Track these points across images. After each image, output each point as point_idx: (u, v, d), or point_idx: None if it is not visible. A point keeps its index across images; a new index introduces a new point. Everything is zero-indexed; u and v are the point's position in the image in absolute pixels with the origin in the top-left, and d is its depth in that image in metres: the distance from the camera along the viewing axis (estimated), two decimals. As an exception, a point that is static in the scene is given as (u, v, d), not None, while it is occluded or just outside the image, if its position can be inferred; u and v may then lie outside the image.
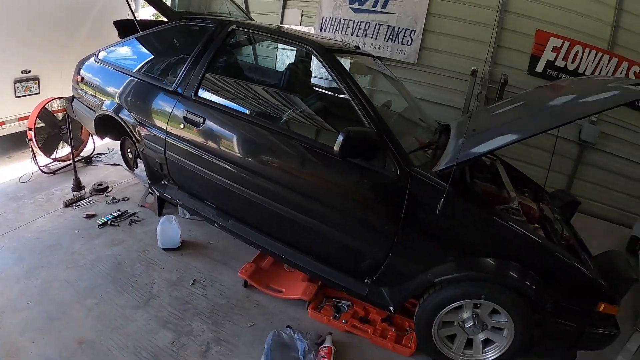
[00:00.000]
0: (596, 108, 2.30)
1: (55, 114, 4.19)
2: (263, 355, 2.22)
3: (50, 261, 2.91)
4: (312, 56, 3.38)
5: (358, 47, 3.61)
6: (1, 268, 2.79)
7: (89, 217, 3.44)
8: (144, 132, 3.02)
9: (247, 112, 2.76)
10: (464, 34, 4.67)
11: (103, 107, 3.26)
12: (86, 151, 4.53)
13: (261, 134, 2.55)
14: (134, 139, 3.17)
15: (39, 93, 4.57)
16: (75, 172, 3.82)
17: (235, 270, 2.91)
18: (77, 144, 4.17)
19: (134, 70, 3.24)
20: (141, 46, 3.42)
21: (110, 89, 3.27)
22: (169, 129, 2.82)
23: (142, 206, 3.66)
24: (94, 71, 3.47)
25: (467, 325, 2.21)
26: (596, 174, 4.63)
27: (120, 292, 2.68)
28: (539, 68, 4.53)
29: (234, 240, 3.24)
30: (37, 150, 4.11)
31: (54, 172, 4.18)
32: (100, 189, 3.84)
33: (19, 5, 4.20)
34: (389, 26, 4.79)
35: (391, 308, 2.32)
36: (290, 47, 4.04)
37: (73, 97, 3.73)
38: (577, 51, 4.41)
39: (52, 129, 4.17)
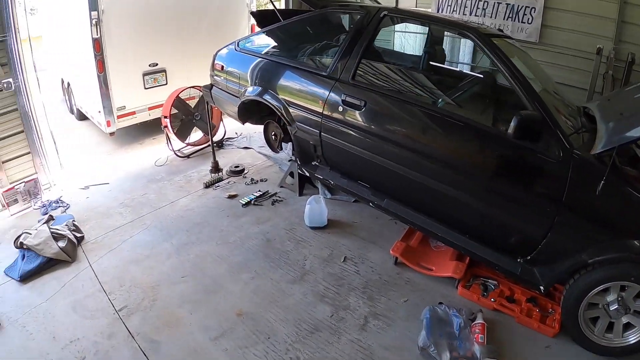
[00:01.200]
0: None
1: (187, 102, 4.51)
2: (423, 328, 2.28)
3: (199, 237, 3.13)
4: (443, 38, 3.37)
5: (501, 30, 3.52)
6: (152, 244, 3.05)
7: (231, 197, 3.66)
8: (296, 115, 3.15)
9: (408, 95, 2.82)
10: (586, 10, 4.32)
11: (247, 93, 3.44)
12: (217, 136, 4.77)
13: (425, 116, 2.61)
14: (284, 121, 3.31)
15: (166, 84, 4.95)
16: (214, 154, 4.08)
17: (382, 248, 2.99)
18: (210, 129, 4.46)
19: (279, 57, 3.38)
20: (283, 34, 3.55)
21: (255, 76, 3.43)
22: (325, 112, 2.93)
23: (282, 187, 3.81)
24: (235, 59, 3.66)
25: (611, 308, 2.18)
26: None
27: (274, 267, 2.84)
28: (666, 45, 4.10)
29: (377, 220, 3.34)
30: (172, 136, 4.46)
31: (187, 156, 4.52)
32: (237, 171, 4.08)
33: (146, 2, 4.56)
34: (507, 4, 4.58)
35: (542, 287, 2.33)
36: (421, 31, 4.01)
37: (212, 85, 3.96)
38: None
39: (186, 116, 4.49)
